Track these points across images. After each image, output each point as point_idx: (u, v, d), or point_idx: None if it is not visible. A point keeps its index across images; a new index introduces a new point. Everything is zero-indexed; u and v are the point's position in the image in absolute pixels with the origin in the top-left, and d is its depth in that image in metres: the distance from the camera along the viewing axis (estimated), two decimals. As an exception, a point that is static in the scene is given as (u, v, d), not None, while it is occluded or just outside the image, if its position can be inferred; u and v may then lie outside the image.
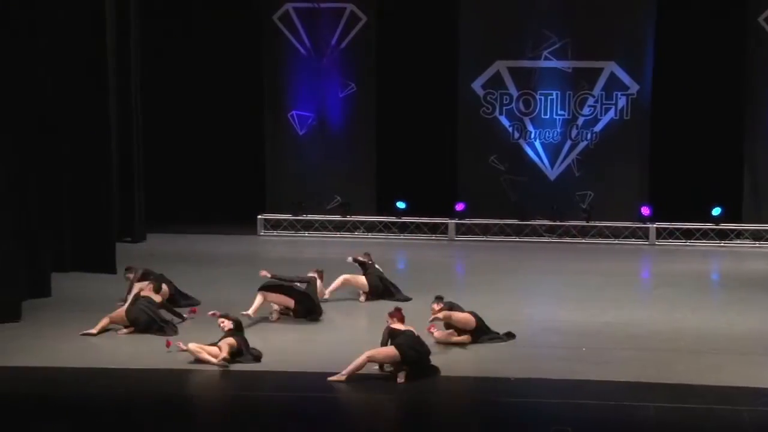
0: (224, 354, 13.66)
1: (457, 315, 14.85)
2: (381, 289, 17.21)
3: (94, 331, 15.16)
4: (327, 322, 16.27)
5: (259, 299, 15.81)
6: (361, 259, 17.51)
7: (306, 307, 16.00)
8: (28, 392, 12.91)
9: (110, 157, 20.16)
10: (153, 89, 22.89)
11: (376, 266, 17.56)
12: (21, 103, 16.62)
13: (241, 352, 13.87)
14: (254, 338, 14.95)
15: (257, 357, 13.98)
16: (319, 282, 16.51)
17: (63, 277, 17.97)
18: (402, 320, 13.84)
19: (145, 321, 15.18)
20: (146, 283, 15.86)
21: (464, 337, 14.78)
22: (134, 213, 21.98)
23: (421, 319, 14.65)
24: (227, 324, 14.06)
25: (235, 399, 12.90)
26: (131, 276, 16.27)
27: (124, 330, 15.20)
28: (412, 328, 13.77)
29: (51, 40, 18.15)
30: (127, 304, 15.42)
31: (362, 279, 17.33)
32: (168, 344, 14.21)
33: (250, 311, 15.59)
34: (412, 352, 13.38)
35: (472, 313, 14.96)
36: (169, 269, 17.74)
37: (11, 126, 16.28)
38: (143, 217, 22.42)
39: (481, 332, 14.91)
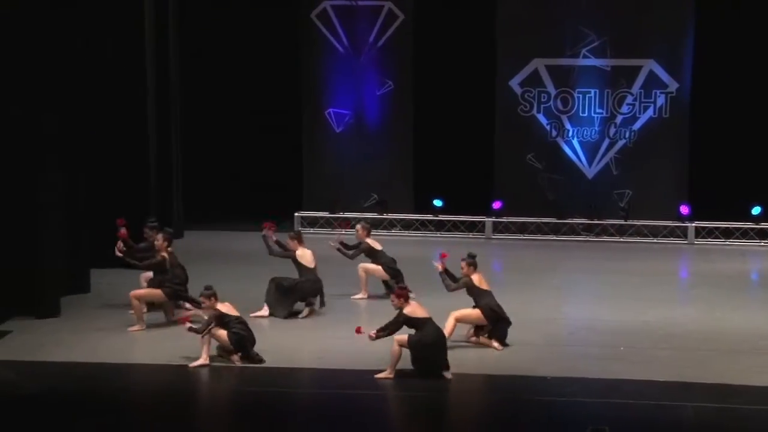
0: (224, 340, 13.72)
1: (467, 314, 14.65)
2: (393, 274, 17.09)
3: (139, 327, 15.37)
4: (357, 319, 16.34)
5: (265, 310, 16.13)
6: (345, 245, 17.26)
7: (309, 295, 16.19)
8: (67, 388, 13.03)
9: (147, 154, 20.29)
10: (191, 86, 23.01)
11: (383, 250, 17.37)
12: (71, 106, 17.01)
13: (242, 341, 13.78)
14: (286, 335, 15.03)
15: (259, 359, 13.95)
16: (300, 250, 16.38)
17: (102, 273, 18.09)
18: (408, 299, 13.62)
19: (177, 295, 15.52)
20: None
21: (496, 345, 14.66)
22: (172, 210, 22.08)
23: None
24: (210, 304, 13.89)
25: (273, 396, 12.95)
26: (157, 237, 15.93)
27: (192, 324, 14.45)
28: (430, 316, 13.58)
29: (90, 40, 18.30)
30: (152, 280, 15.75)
31: (378, 268, 17.27)
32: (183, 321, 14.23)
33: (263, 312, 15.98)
34: (436, 348, 13.38)
35: (482, 306, 14.67)
36: (206, 266, 17.83)
37: (64, 128, 16.61)
38: (181, 214, 22.53)
39: (496, 320, 14.66)
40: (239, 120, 24.31)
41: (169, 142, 21.91)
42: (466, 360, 14.07)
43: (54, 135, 16.26)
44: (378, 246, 17.46)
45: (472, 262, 14.93)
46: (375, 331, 13.41)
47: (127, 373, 13.64)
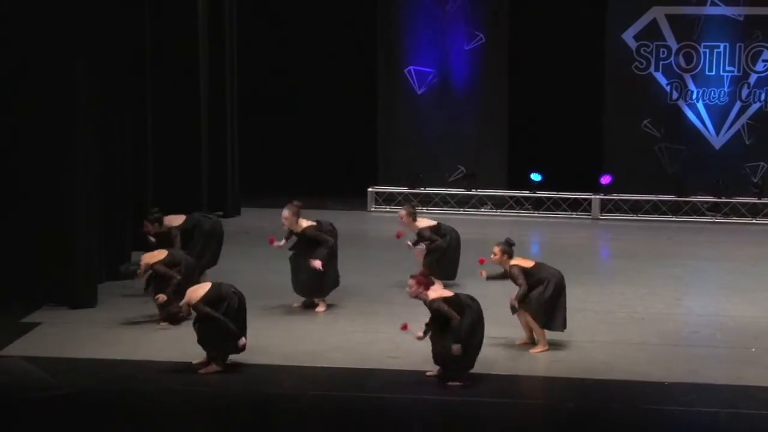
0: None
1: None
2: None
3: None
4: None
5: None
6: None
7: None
8: (104, 388, 13.19)
9: (199, 121, 20.50)
10: (248, 44, 23.14)
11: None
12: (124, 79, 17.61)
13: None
14: (353, 331, 15.08)
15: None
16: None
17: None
18: (428, 285, 13.31)
19: None
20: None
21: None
22: (226, 184, 22.20)
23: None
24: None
25: (329, 399, 13.06)
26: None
27: None
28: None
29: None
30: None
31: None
32: None
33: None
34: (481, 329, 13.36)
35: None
36: (265, 249, 17.92)
37: (117, 104, 17.19)
38: (237, 190, 22.68)
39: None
40: (305, 81, 24.38)
41: (224, 108, 22.05)
42: (567, 361, 14.08)
43: (90, 97, 16.43)
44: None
45: (507, 249, 14.43)
46: (422, 332, 13.36)
47: (174, 373, 13.75)
